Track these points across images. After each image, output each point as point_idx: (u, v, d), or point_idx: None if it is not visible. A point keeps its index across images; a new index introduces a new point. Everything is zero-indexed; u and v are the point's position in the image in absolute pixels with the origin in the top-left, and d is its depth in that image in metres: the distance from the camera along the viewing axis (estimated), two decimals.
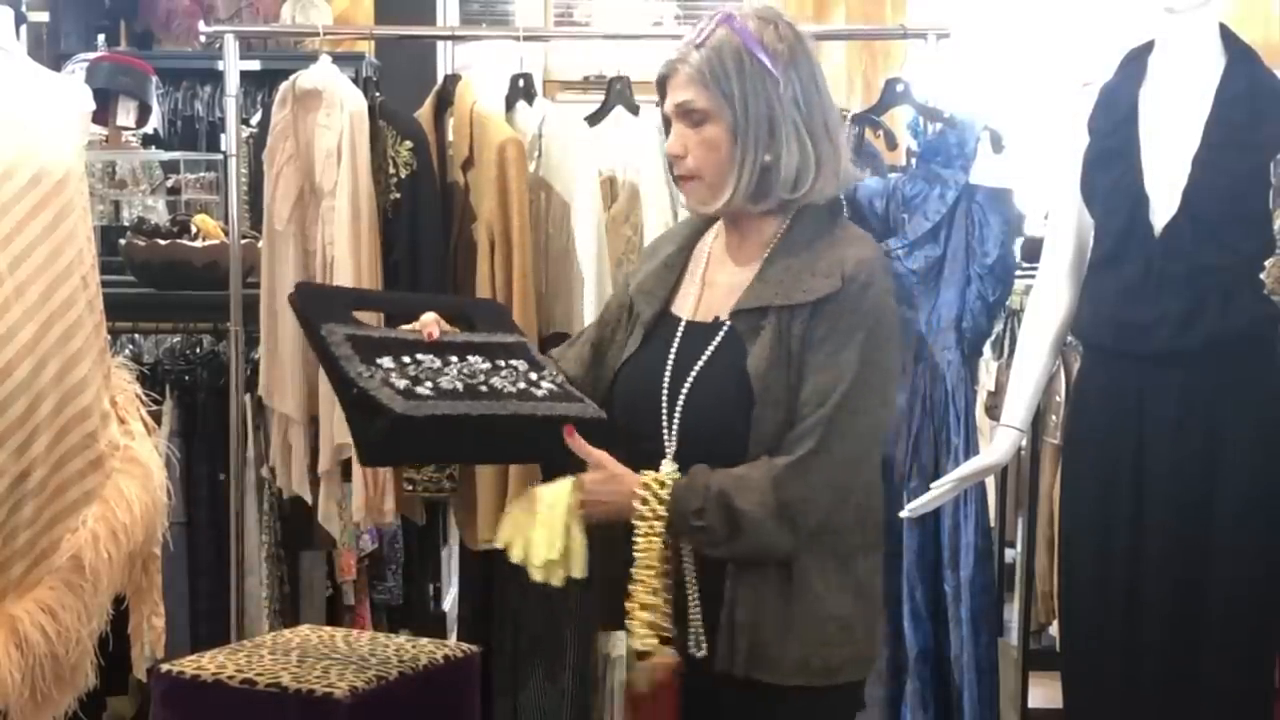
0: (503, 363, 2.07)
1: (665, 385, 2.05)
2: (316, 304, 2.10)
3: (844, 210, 2.13)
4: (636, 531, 1.96)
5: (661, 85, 2.10)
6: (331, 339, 2.00)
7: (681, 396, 2.03)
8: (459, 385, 1.98)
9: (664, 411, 2.03)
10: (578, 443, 1.99)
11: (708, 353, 2.04)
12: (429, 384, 1.96)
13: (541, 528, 1.96)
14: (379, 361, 1.97)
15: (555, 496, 1.97)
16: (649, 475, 1.97)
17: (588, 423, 2.02)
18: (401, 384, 1.94)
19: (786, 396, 1.98)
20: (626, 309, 2.19)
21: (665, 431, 2.03)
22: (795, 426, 1.96)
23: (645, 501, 1.95)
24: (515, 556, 1.98)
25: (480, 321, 2.18)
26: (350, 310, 2.10)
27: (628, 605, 1.97)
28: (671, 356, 2.07)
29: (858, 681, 2.08)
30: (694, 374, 2.03)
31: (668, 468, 1.99)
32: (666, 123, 2.11)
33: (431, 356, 2.03)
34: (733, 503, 1.93)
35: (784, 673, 1.97)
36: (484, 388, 2.00)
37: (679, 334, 2.08)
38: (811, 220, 2.06)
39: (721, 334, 2.05)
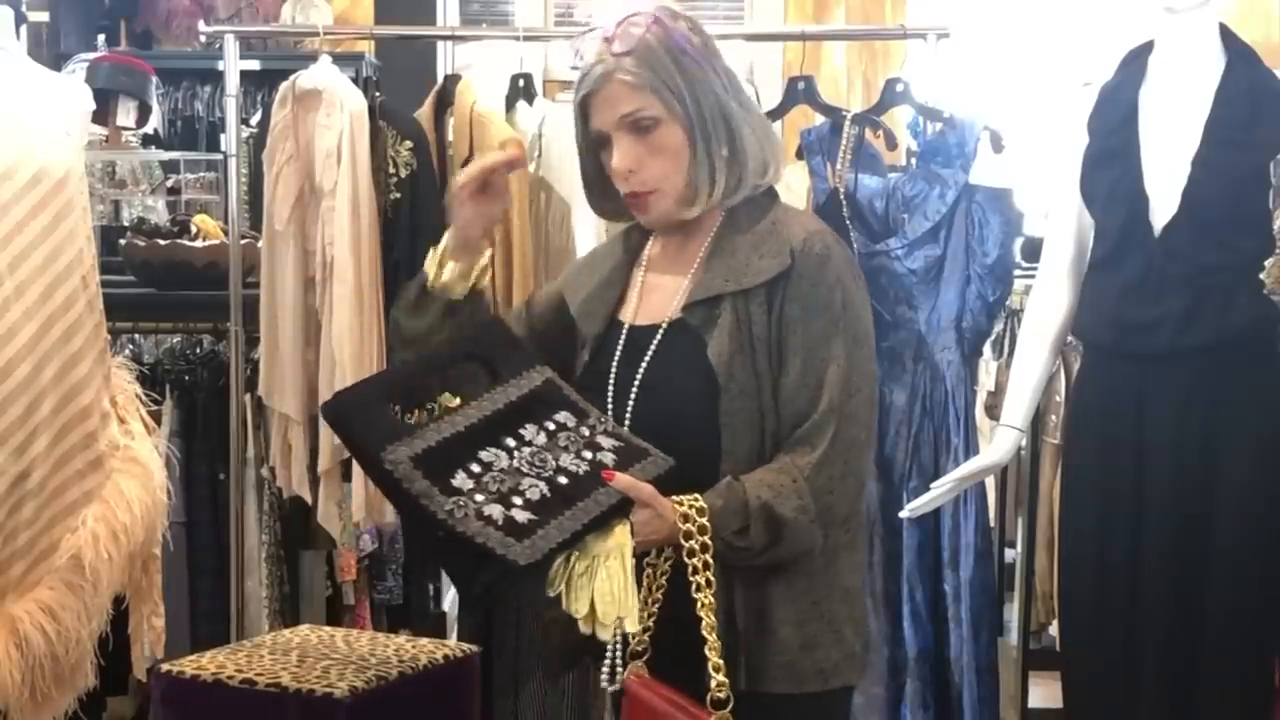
0: (553, 425, 1.90)
1: (611, 392, 1.99)
2: (359, 420, 1.85)
3: (778, 195, 2.04)
4: (689, 569, 1.85)
5: (585, 106, 1.96)
6: (399, 472, 1.77)
7: (631, 398, 1.97)
8: (544, 489, 1.81)
9: (615, 418, 1.96)
10: (624, 482, 1.84)
11: (650, 351, 1.98)
12: (518, 500, 1.79)
13: (605, 583, 1.80)
14: (454, 482, 1.78)
15: (614, 548, 1.82)
16: (686, 503, 1.85)
17: (663, 477, 1.88)
18: (497, 512, 1.75)
19: (754, 384, 1.91)
20: (555, 310, 2.11)
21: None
22: (799, 417, 1.90)
23: (689, 535, 1.84)
24: (579, 612, 1.80)
25: (500, 360, 1.98)
26: (387, 409, 1.89)
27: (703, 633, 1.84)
28: (615, 363, 2.00)
29: (851, 687, 2.00)
30: (641, 373, 1.97)
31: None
32: (596, 143, 1.98)
33: (491, 452, 1.84)
34: (776, 512, 1.86)
35: (774, 680, 1.91)
36: (563, 479, 1.83)
37: (621, 341, 2.02)
38: (747, 208, 1.99)
39: (664, 331, 1.98)
